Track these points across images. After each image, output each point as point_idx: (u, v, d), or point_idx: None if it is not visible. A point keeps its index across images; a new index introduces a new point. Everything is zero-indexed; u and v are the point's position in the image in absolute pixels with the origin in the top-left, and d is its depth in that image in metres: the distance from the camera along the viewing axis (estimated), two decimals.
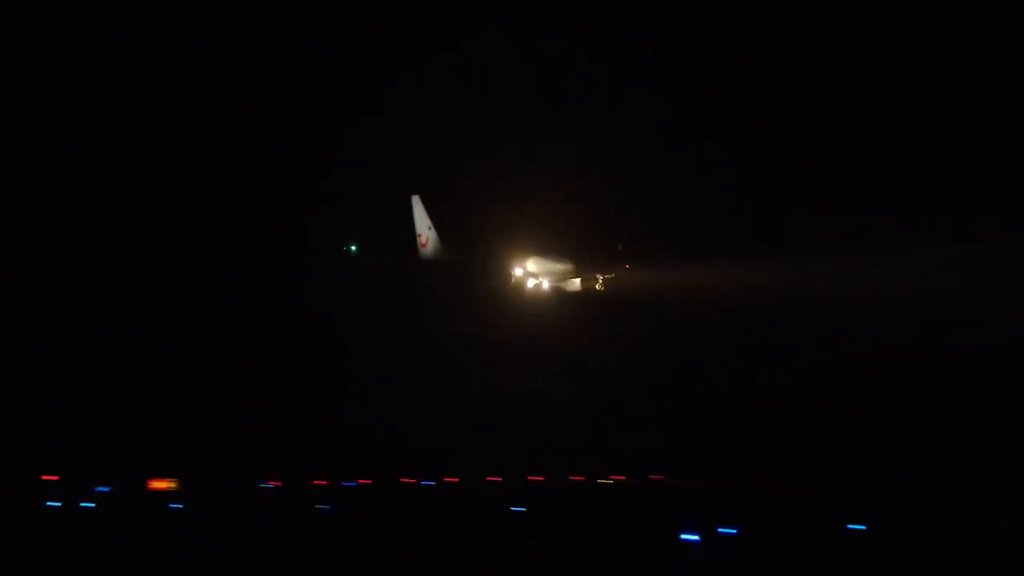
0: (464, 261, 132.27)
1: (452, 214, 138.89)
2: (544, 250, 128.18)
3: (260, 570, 43.73)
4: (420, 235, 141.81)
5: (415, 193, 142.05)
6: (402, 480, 55.16)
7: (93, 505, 50.39)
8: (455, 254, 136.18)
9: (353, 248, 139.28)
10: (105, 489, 51.82)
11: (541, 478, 56.78)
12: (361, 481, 55.41)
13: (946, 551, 44.88)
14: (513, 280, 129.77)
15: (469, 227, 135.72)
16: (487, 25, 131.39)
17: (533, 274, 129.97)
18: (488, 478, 56.31)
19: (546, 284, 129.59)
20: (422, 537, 47.29)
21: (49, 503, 50.51)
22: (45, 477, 53.39)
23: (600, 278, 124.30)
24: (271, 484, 54.49)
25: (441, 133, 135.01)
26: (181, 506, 50.87)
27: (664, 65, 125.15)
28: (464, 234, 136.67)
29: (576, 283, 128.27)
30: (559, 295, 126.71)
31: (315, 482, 54.78)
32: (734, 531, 46.52)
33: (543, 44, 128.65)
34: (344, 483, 55.16)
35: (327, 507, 51.65)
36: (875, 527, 47.71)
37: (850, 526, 48.09)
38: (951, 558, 44.25)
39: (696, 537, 45.28)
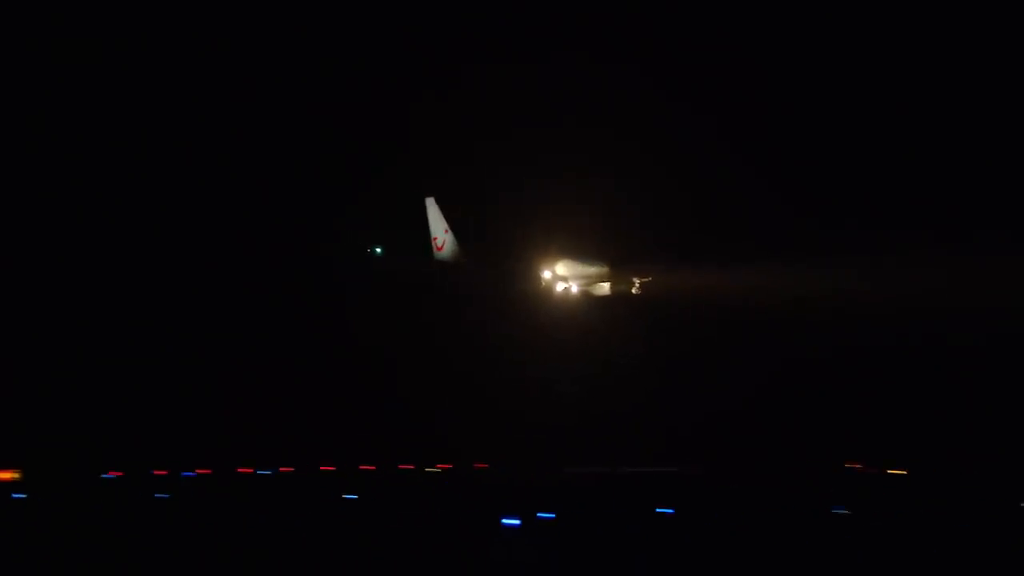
0: (489, 265, 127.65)
1: (472, 217, 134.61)
2: (575, 252, 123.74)
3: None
4: (435, 238, 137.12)
5: (429, 195, 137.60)
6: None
7: None
8: (477, 257, 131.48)
9: (378, 250, 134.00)
10: None
11: (372, 467, 58.82)
12: (201, 471, 56.92)
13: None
14: (543, 284, 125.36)
15: (491, 230, 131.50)
16: (509, 24, 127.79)
17: (563, 278, 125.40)
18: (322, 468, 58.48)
19: (575, 288, 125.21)
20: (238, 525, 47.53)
21: None
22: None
23: (637, 282, 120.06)
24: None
25: (459, 134, 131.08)
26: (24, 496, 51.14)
27: (689, 64, 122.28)
28: (486, 237, 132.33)
29: (606, 287, 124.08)
30: (594, 300, 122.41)
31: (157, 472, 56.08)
32: (552, 516, 47.74)
33: (564, 43, 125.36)
34: (185, 473, 56.49)
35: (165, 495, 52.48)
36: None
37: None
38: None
39: (517, 522, 46.39)
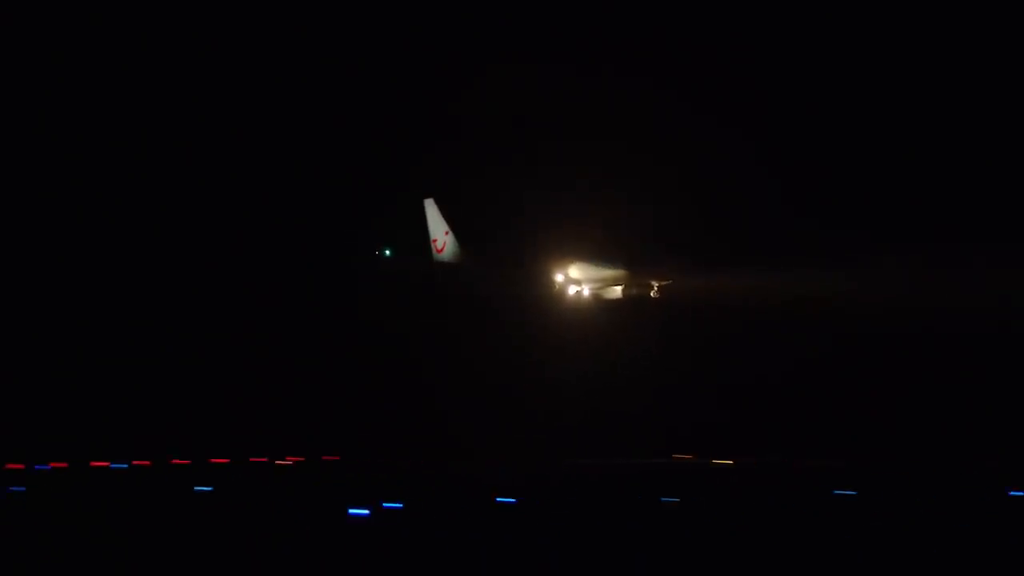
0: (496, 267, 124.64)
1: (474, 218, 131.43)
2: (589, 254, 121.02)
3: None
4: (435, 240, 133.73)
5: (428, 196, 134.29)
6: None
7: None
8: (482, 260, 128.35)
9: (387, 252, 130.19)
10: None
11: (226, 460, 59.28)
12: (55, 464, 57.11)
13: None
14: (556, 288, 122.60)
15: (496, 231, 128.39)
16: (524, 22, 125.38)
17: (576, 281, 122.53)
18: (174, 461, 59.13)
19: (587, 291, 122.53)
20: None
21: None
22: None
23: (656, 285, 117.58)
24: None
25: (466, 134, 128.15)
26: None
27: (707, 60, 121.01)
28: (489, 239, 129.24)
29: (618, 291, 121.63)
30: (610, 304, 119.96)
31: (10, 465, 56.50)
32: (399, 505, 49.91)
33: (578, 41, 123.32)
34: (38, 467, 57.00)
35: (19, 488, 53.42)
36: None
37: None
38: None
39: (366, 512, 48.25)
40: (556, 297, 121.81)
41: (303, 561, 40.18)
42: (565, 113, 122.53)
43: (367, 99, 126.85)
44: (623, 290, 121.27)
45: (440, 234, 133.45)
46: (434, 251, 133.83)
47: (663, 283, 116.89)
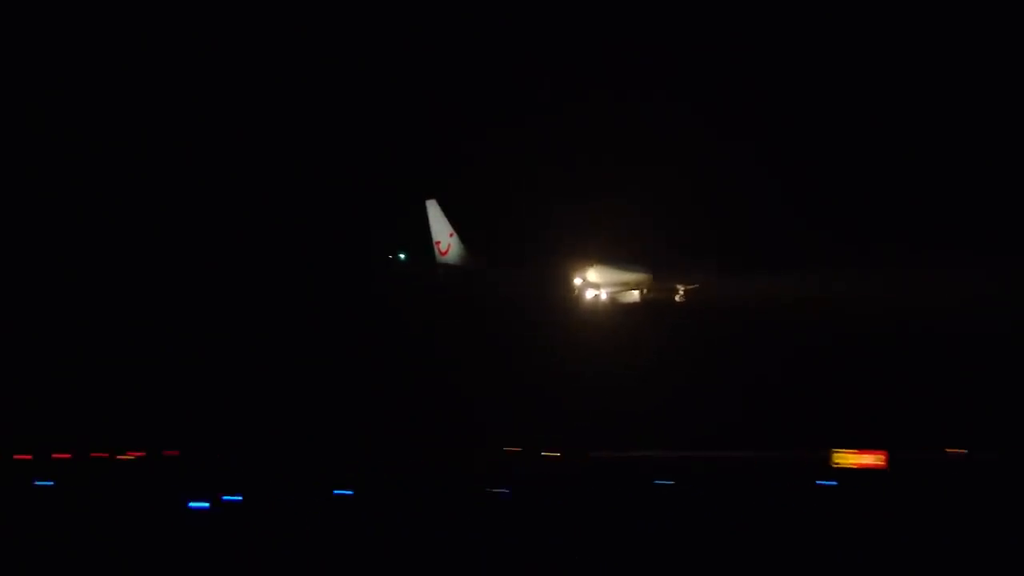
0: (512, 271, 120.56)
1: (482, 220, 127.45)
2: (610, 257, 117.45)
3: None
4: (438, 242, 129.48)
5: (430, 197, 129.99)
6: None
7: None
8: (494, 263, 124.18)
9: (402, 256, 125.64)
10: None
11: (67, 455, 59.69)
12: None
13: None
14: (575, 291, 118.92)
15: (508, 234, 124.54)
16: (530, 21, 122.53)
17: (594, 284, 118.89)
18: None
19: (604, 295, 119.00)
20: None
21: None
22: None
23: (681, 289, 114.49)
24: None
25: (475, 135, 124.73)
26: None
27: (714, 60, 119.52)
28: (501, 241, 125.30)
29: (635, 294, 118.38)
30: (629, 307, 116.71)
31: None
32: (238, 498, 51.41)
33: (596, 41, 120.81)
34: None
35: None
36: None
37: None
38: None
39: (206, 504, 49.60)
40: (573, 300, 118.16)
41: (145, 554, 40.23)
42: (583, 113, 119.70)
43: (385, 103, 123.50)
44: (642, 294, 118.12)
45: (444, 236, 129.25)
46: (437, 253, 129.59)
47: (689, 287, 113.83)
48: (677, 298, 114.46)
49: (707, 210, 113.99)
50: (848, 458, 74.81)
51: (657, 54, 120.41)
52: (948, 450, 79.93)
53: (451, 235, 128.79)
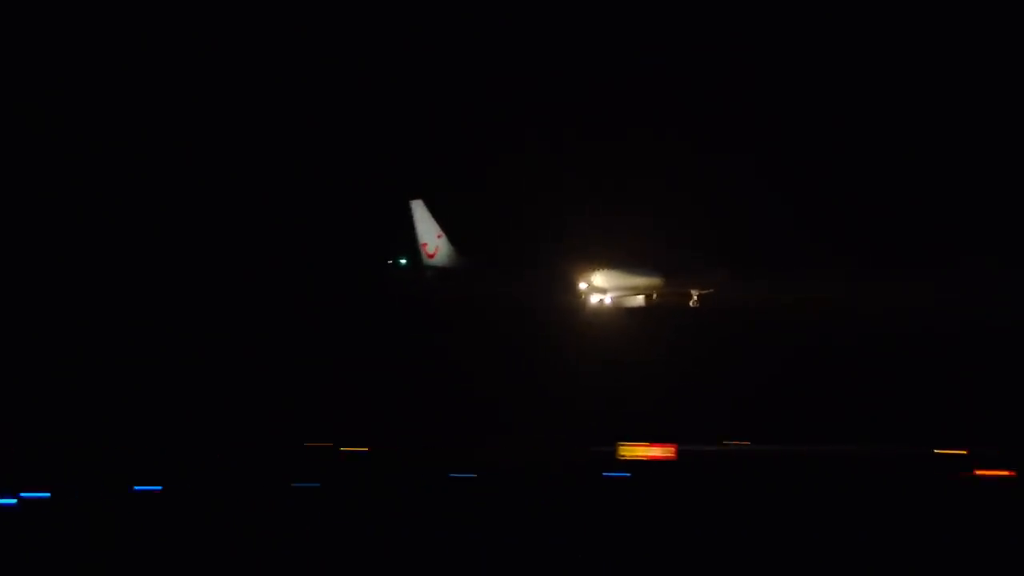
0: (510, 274, 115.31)
1: (473, 222, 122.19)
2: (617, 261, 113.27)
3: None
4: (425, 244, 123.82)
5: (415, 198, 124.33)
6: None
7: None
8: (490, 266, 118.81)
9: (403, 261, 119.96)
10: None
11: None
12: None
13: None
14: (580, 296, 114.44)
15: (503, 236, 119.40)
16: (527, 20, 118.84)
17: (601, 289, 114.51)
18: None
19: (610, 299, 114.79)
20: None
21: None
22: None
23: (695, 294, 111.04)
24: None
25: (468, 134, 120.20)
26: None
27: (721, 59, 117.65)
28: (495, 244, 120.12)
29: (640, 298, 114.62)
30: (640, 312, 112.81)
31: None
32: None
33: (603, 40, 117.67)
34: None
35: None
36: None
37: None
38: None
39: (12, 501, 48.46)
40: (578, 306, 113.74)
41: None
42: (587, 114, 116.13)
43: (383, 103, 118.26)
44: (650, 299, 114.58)
45: (431, 237, 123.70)
46: (424, 255, 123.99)
47: (704, 292, 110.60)
48: (692, 303, 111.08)
49: (719, 213, 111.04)
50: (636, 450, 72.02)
51: (659, 55, 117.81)
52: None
53: (439, 236, 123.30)
